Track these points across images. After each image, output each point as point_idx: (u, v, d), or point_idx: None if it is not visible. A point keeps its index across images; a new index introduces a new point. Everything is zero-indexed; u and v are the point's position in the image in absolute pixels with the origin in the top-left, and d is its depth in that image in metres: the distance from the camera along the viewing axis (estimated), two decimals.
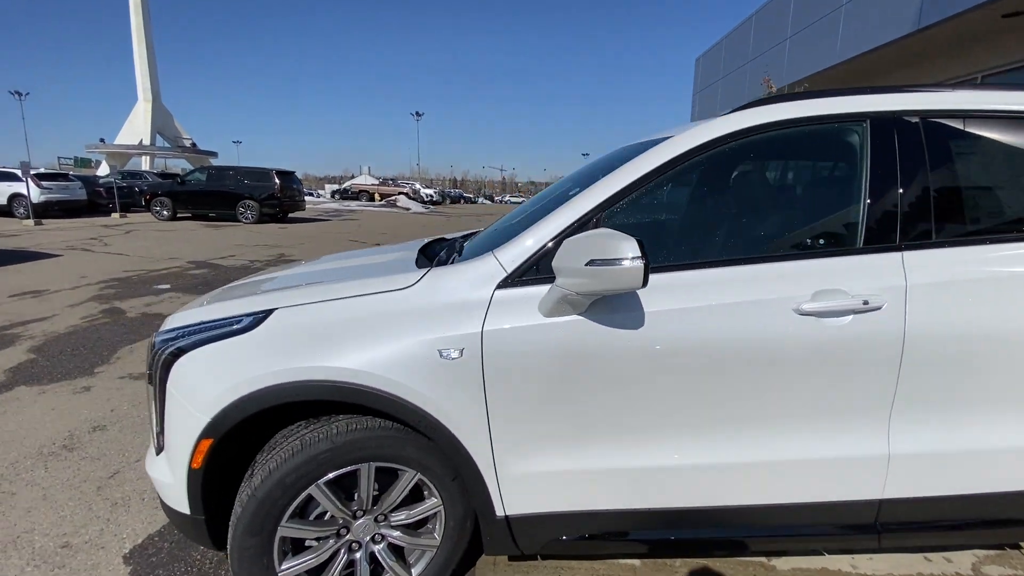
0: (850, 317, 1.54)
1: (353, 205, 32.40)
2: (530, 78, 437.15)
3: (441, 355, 1.50)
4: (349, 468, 1.55)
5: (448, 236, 2.68)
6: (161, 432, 1.63)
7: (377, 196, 38.69)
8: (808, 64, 11.70)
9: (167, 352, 1.58)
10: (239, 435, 1.57)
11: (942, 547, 2.03)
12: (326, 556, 1.63)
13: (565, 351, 1.53)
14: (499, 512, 1.65)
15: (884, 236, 1.61)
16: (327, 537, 1.62)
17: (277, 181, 16.69)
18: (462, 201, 61.57)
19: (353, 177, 56.76)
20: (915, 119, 1.65)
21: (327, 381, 1.49)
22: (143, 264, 8.48)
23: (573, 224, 1.59)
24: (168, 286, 6.92)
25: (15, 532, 2.14)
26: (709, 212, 1.96)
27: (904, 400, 1.59)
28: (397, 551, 1.72)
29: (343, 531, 1.63)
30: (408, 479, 1.62)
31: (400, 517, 1.67)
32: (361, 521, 1.64)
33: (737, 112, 1.71)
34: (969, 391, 1.60)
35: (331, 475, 1.53)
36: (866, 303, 1.53)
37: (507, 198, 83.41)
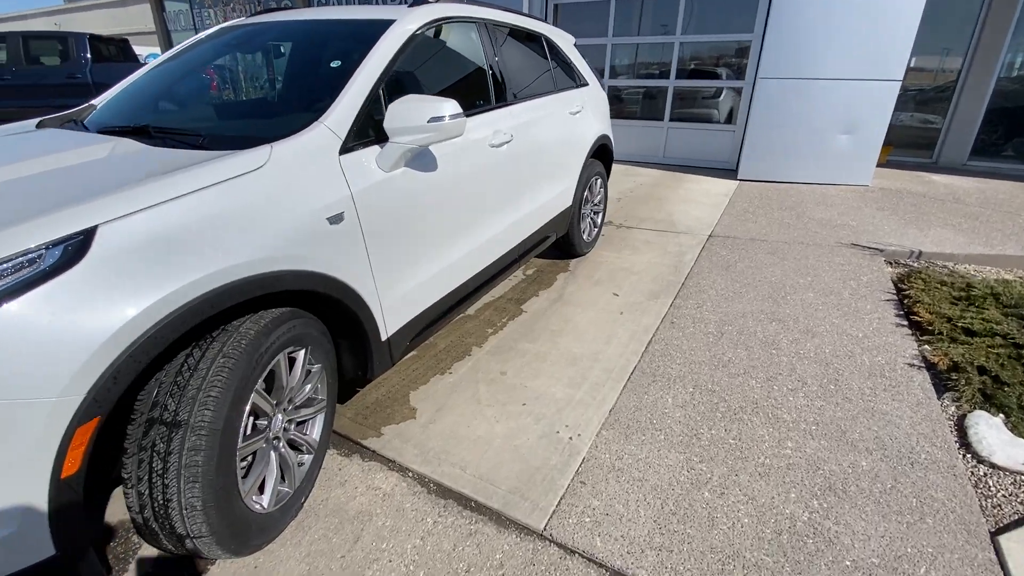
0: (506, 145, 2.54)
1: None
2: None
3: (329, 222, 1.57)
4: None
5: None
6: None
7: None
8: None
9: None
10: None
11: None
12: None
13: (407, 194, 1.89)
14: (383, 336, 1.90)
15: (502, 98, 2.70)
16: None
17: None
18: None
19: None
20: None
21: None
22: None
23: (369, 94, 1.80)
24: None
25: None
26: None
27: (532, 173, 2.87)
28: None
29: None
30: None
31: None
32: None
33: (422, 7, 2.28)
34: (535, 172, 2.91)
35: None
36: (512, 136, 2.59)
37: None
